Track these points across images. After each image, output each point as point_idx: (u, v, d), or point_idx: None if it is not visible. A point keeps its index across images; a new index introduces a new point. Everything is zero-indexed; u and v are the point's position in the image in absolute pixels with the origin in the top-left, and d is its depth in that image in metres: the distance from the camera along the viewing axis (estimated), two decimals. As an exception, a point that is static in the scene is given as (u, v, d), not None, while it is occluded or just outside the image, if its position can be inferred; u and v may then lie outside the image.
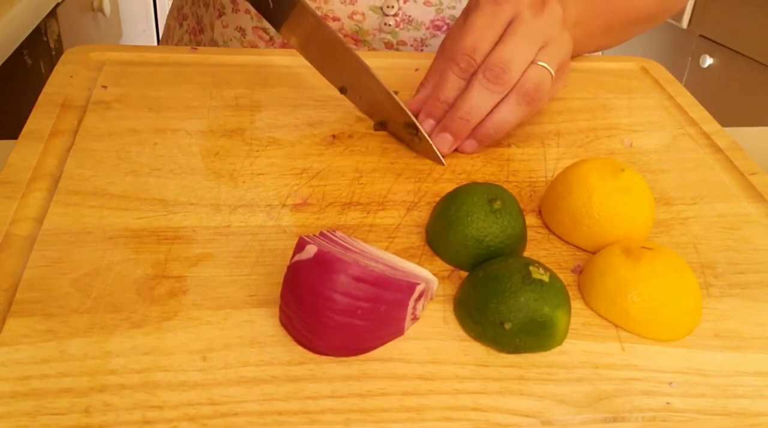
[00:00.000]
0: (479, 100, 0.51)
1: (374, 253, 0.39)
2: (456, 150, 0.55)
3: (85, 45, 0.64)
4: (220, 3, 0.73)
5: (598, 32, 0.65)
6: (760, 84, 1.74)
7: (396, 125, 0.55)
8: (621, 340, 0.40)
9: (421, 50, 0.71)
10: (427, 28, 0.69)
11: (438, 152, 0.53)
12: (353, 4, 0.68)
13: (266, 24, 0.71)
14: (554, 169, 0.54)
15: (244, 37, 0.73)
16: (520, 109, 0.52)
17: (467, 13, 0.54)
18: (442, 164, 0.54)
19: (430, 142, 0.53)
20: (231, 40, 0.74)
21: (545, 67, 0.52)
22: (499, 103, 0.52)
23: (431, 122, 0.54)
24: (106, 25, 1.75)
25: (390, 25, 0.68)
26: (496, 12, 0.52)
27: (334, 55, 0.55)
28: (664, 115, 0.63)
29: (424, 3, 0.68)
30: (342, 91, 0.58)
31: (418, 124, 0.53)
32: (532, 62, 0.52)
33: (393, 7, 0.67)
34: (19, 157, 0.49)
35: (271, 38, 0.71)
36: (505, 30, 0.52)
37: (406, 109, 0.53)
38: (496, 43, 0.51)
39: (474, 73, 0.52)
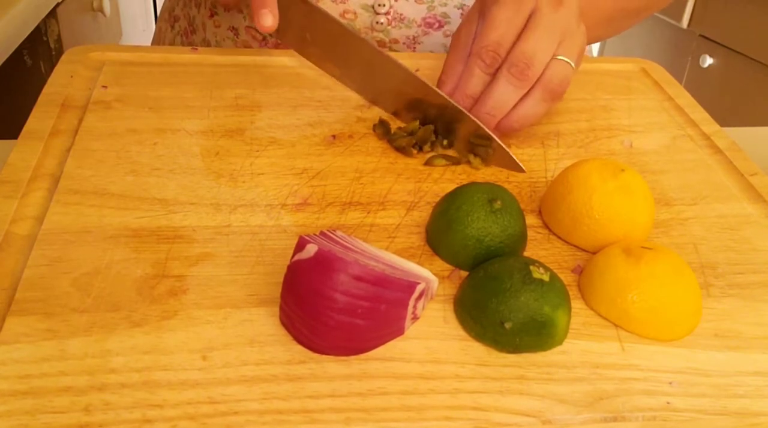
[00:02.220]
0: (504, 95, 0.52)
1: (374, 253, 0.39)
2: None
3: (85, 45, 0.64)
4: (212, 2, 0.73)
5: (599, 23, 0.66)
6: (760, 84, 1.74)
7: (461, 141, 0.54)
8: (621, 340, 0.40)
9: (414, 48, 0.71)
10: (419, 26, 0.69)
11: (517, 160, 0.53)
12: (344, 3, 0.67)
13: None
14: (554, 169, 0.54)
15: (237, 37, 0.72)
16: (544, 103, 0.53)
17: (486, 6, 0.54)
18: (523, 172, 0.54)
19: (509, 152, 0.53)
20: (224, 39, 0.73)
21: (566, 61, 0.53)
22: (523, 97, 0.53)
23: None
24: (106, 25, 1.75)
25: (382, 23, 0.68)
26: (517, 6, 0.52)
27: (395, 84, 0.56)
28: (663, 115, 0.64)
29: (415, 0, 0.68)
30: (395, 114, 0.58)
31: (492, 135, 0.53)
32: (554, 56, 0.52)
33: (384, 5, 0.67)
34: (19, 156, 0.49)
35: (264, 38, 0.71)
36: (526, 24, 0.52)
37: (477, 121, 0.53)
38: (518, 37, 0.52)
39: (498, 68, 0.52)
